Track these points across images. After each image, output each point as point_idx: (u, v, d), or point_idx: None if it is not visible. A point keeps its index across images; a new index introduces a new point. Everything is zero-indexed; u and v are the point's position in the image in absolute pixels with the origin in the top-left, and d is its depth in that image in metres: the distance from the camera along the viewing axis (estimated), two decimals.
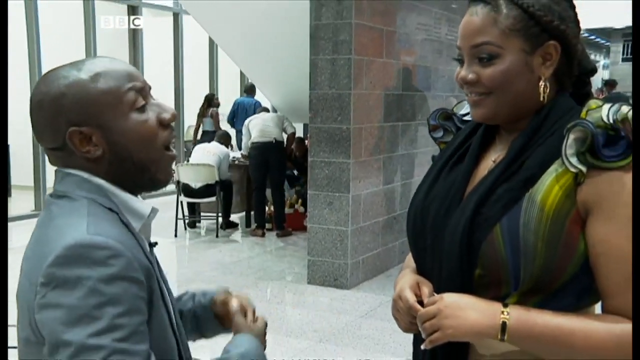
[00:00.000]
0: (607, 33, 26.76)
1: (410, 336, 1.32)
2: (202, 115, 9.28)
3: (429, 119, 1.44)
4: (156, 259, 1.19)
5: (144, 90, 1.11)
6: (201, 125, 9.30)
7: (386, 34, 5.43)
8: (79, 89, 1.05)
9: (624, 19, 22.58)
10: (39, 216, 1.11)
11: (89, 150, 1.07)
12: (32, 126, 1.10)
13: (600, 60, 31.62)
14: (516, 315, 1.10)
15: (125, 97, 1.08)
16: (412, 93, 5.90)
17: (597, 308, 1.19)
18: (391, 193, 5.72)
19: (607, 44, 28.88)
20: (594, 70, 1.26)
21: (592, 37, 26.98)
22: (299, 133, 8.03)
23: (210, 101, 9.40)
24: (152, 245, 1.18)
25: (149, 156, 1.11)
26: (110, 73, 1.08)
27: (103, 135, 1.07)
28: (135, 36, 9.68)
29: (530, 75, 1.17)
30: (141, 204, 1.13)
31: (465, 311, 1.12)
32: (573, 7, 1.20)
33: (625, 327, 1.06)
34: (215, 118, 9.23)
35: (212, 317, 1.36)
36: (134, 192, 1.14)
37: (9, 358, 1.45)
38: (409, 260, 1.38)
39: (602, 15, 21.62)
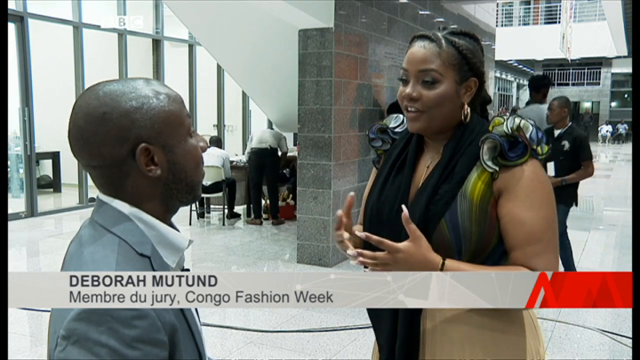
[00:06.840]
0: (531, 63, 27.06)
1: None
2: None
3: (368, 132, 1.49)
4: None
5: (190, 119, 0.96)
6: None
7: (360, 60, 5.37)
8: (152, 106, 0.88)
9: (543, 53, 22.90)
10: (72, 241, 0.91)
11: (151, 169, 0.89)
12: (81, 139, 0.87)
13: (526, 83, 31.86)
14: (449, 263, 1.18)
15: (186, 121, 0.93)
16: (381, 108, 5.84)
17: None
18: (364, 189, 5.62)
19: (532, 71, 29.18)
20: (490, 101, 1.39)
21: (520, 65, 27.24)
22: (290, 141, 7.93)
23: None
24: (185, 271, 1.00)
25: (198, 178, 0.96)
26: (173, 97, 0.92)
27: (165, 155, 0.89)
28: (158, 64, 9.54)
29: (457, 100, 1.27)
30: (179, 237, 0.94)
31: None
32: (484, 54, 1.32)
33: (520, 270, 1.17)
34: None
35: None
36: (175, 210, 0.96)
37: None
38: None
39: (528, 49, 21.87)
